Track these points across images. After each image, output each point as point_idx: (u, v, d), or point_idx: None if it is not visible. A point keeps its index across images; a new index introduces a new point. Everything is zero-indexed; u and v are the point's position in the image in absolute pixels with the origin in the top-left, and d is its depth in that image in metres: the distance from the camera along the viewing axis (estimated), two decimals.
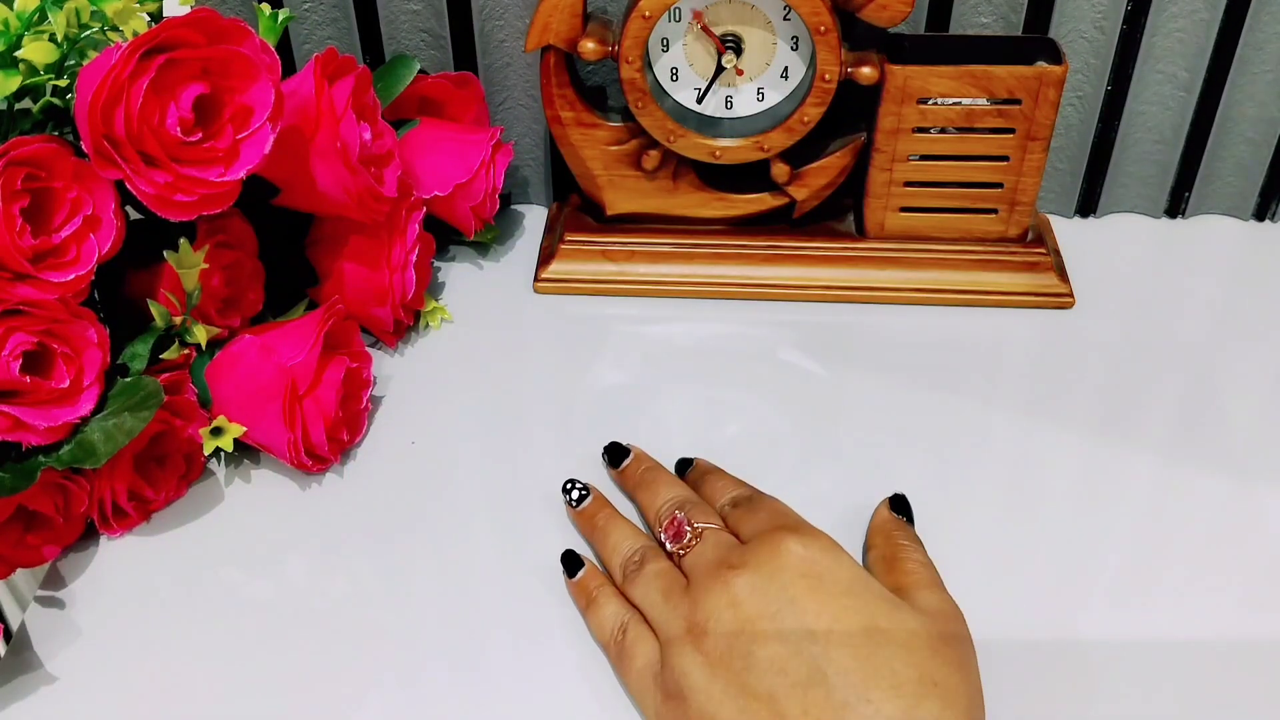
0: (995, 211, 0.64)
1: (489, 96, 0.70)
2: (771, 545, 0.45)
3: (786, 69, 0.62)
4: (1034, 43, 0.61)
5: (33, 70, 0.51)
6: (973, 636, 0.45)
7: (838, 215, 0.67)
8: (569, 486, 0.53)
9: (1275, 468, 0.56)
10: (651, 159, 0.64)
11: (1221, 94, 0.66)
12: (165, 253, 0.53)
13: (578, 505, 0.53)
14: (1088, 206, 0.71)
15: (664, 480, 0.53)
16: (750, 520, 0.48)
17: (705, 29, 0.60)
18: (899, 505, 0.52)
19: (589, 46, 0.61)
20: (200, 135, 0.50)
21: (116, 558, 0.53)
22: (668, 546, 0.49)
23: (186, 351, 0.55)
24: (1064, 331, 0.64)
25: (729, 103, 0.63)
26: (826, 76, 0.60)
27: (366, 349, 0.59)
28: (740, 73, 0.62)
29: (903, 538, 0.50)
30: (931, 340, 0.63)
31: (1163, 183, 0.70)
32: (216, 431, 0.54)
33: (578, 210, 0.69)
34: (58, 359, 0.49)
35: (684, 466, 0.55)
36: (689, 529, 0.48)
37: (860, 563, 0.45)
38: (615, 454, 0.55)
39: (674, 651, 0.44)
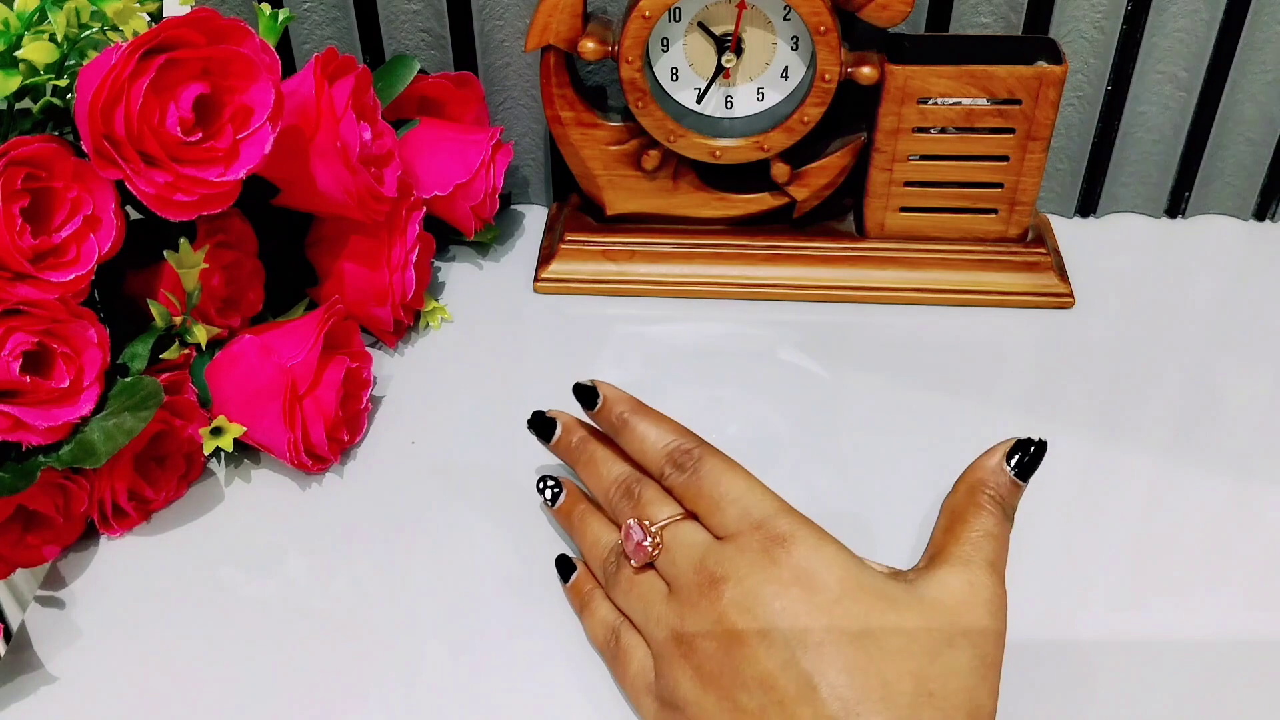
0: (995, 211, 0.64)
1: (489, 96, 0.70)
2: (754, 553, 0.42)
3: (786, 69, 0.62)
4: (1034, 43, 0.61)
5: (33, 70, 0.51)
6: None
7: (838, 215, 0.67)
8: (542, 485, 0.52)
9: (1275, 468, 0.56)
10: (651, 159, 0.64)
11: (1221, 94, 0.66)
12: (165, 253, 0.53)
13: (554, 504, 0.52)
14: (1088, 206, 0.71)
15: (600, 458, 0.50)
16: (701, 495, 0.45)
17: (737, 13, 0.60)
18: (1022, 456, 0.45)
19: (589, 46, 0.61)
20: (200, 135, 0.50)
21: (116, 558, 0.53)
22: (633, 564, 0.46)
23: (186, 351, 0.55)
24: (1064, 331, 0.64)
25: (729, 103, 0.63)
26: (826, 76, 0.60)
27: (366, 349, 0.59)
28: (728, 75, 0.62)
29: (988, 501, 0.45)
30: (931, 340, 0.63)
31: (1163, 183, 0.70)
32: (216, 431, 0.54)
33: (578, 210, 0.69)
34: (58, 359, 0.49)
35: (589, 397, 0.50)
36: (647, 541, 0.45)
37: (859, 557, 0.43)
38: (542, 426, 0.52)
39: (664, 663, 0.43)
